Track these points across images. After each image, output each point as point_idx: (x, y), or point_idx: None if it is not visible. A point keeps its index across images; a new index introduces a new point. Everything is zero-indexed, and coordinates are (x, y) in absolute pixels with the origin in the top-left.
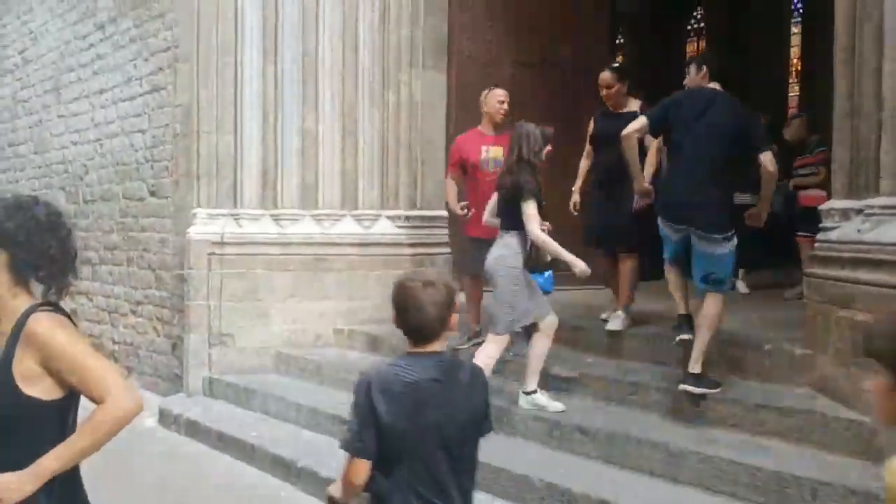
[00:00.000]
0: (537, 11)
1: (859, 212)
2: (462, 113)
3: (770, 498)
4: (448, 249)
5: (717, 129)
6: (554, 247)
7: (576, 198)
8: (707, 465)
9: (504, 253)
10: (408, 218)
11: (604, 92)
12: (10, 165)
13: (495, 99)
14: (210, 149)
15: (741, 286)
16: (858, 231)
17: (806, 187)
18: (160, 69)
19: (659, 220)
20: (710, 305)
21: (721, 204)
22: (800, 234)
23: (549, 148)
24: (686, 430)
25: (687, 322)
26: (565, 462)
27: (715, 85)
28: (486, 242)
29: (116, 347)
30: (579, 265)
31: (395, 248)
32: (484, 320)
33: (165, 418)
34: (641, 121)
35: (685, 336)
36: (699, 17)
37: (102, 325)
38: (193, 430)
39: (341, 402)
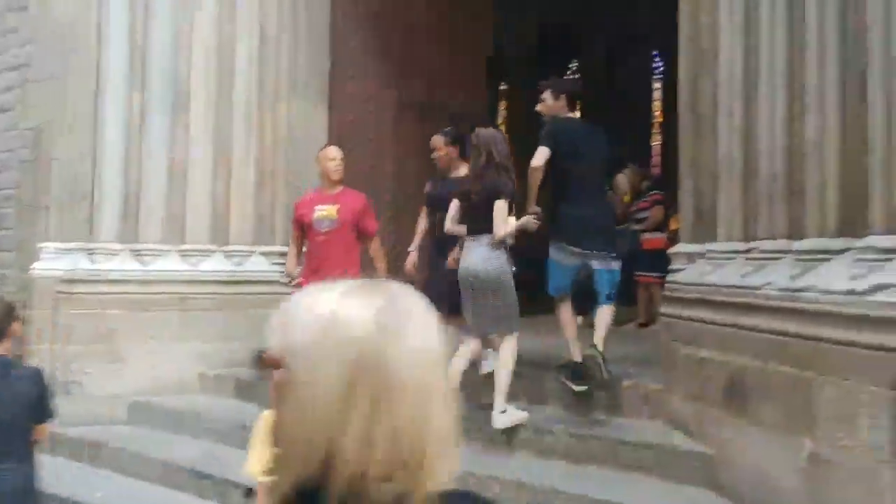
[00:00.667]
0: (420, 54)
1: (702, 255)
2: (343, 149)
3: None
4: None
5: (601, 157)
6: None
7: (413, 258)
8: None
9: (494, 256)
10: (283, 254)
11: (433, 155)
12: None
13: (327, 158)
14: (63, 177)
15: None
16: (701, 274)
17: (646, 231)
18: (8, 88)
19: (553, 249)
20: (607, 315)
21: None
22: (640, 273)
23: None
24: (554, 468)
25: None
26: None
27: (575, 114)
28: None
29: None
30: (528, 220)
31: (270, 286)
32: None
33: None
34: (545, 152)
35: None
36: (575, 67)
37: None
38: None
39: (202, 455)
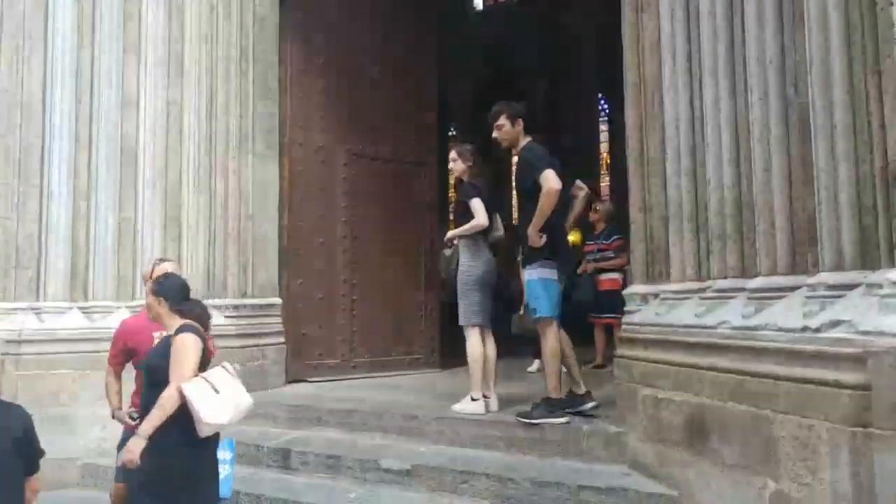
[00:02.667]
0: (368, 103)
1: (656, 296)
2: (295, 201)
3: None
4: (282, 339)
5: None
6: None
7: None
8: None
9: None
10: (237, 307)
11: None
12: None
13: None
14: (9, 237)
15: (535, 365)
16: (656, 314)
17: (605, 271)
18: None
19: (544, 269)
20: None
21: None
22: (598, 315)
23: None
24: None
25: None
26: None
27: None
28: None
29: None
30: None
31: (223, 339)
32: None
33: None
34: (553, 173)
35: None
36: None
37: None
38: None
39: None
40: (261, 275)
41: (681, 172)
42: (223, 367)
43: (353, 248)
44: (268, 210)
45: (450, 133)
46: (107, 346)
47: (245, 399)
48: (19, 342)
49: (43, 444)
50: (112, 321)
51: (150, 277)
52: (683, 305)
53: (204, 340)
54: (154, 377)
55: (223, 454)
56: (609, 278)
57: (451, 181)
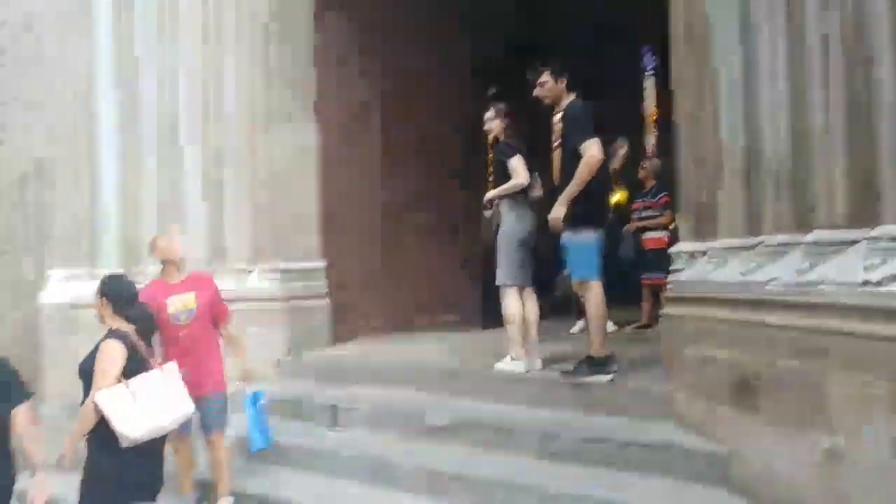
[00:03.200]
0: (402, 68)
1: (704, 253)
2: (334, 167)
3: None
4: (326, 302)
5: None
6: None
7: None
8: None
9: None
10: (283, 271)
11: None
12: None
13: (164, 241)
14: (67, 208)
15: (577, 326)
16: (704, 271)
17: (649, 229)
18: (2, 127)
19: (588, 232)
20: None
21: None
22: (648, 276)
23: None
24: (559, 472)
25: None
26: None
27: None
28: (214, 399)
29: None
30: None
31: (270, 302)
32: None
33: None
34: (597, 143)
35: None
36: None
37: None
38: None
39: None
40: (303, 240)
41: (733, 121)
42: (163, 370)
43: (393, 211)
44: (307, 177)
45: (489, 92)
46: None
47: (181, 407)
48: (78, 307)
49: None
50: None
51: (156, 250)
52: (733, 262)
53: (135, 347)
54: (87, 381)
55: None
56: (653, 237)
57: (489, 141)
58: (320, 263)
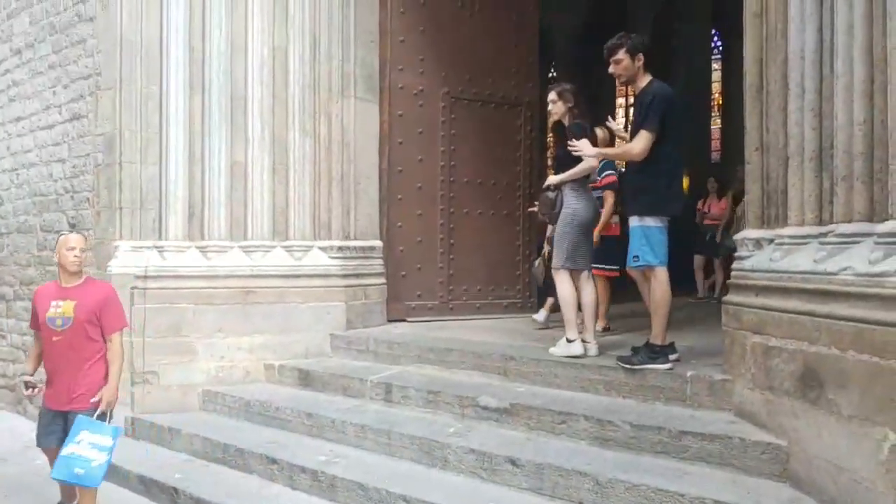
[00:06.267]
0: (467, 43)
1: (770, 241)
2: (395, 145)
3: None
4: (383, 280)
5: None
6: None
7: None
8: (634, 494)
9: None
10: (341, 248)
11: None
12: None
13: (65, 247)
14: (134, 180)
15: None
16: (770, 260)
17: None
18: (81, 97)
19: (654, 221)
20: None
21: None
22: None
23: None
24: (613, 458)
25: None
26: (495, 495)
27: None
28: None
29: (32, 391)
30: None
31: (328, 279)
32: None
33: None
34: (647, 140)
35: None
36: None
37: (17, 365)
38: (112, 472)
39: (269, 441)
40: (363, 217)
41: (804, 108)
42: None
43: (452, 191)
44: (369, 154)
45: (550, 74)
46: (221, 283)
47: None
48: (146, 277)
49: (168, 372)
50: (226, 260)
51: (60, 252)
52: (801, 251)
53: None
54: None
55: (104, 440)
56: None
57: (550, 124)
58: (378, 242)
